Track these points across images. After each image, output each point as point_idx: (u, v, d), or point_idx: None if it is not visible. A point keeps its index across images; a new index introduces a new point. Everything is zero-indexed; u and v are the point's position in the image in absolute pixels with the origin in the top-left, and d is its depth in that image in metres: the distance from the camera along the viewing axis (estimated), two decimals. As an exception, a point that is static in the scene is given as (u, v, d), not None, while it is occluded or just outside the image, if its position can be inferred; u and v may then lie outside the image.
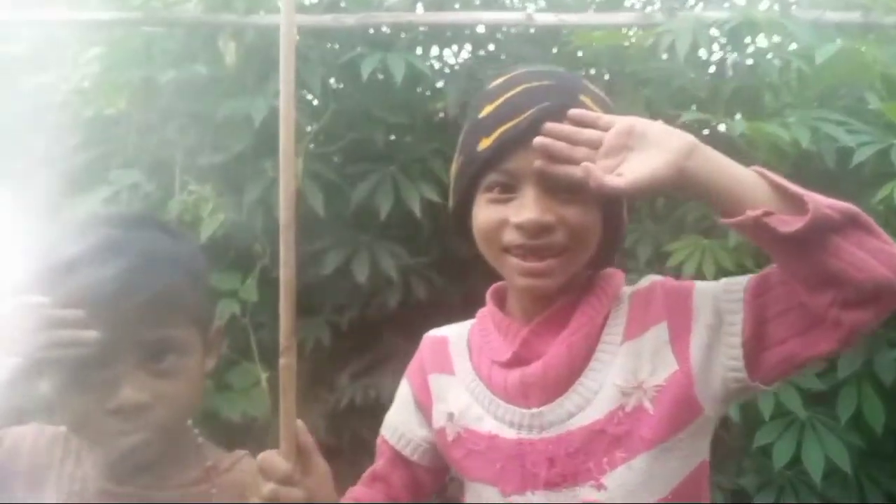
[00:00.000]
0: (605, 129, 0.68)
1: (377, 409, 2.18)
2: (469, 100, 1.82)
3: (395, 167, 1.91)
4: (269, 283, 1.95)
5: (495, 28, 1.96)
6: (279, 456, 0.64)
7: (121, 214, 0.74)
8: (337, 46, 1.94)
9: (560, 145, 0.68)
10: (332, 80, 1.85)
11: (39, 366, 0.64)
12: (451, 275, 2.19)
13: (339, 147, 1.93)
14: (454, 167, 0.79)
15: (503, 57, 1.85)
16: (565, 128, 0.69)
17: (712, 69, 1.75)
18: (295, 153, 0.61)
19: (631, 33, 1.76)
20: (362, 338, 2.38)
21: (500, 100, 0.72)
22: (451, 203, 0.80)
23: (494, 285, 0.85)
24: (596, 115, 0.70)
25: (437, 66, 2.04)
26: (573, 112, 0.70)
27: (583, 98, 0.73)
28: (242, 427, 2.21)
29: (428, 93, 2.08)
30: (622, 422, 0.70)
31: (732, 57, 1.68)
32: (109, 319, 0.64)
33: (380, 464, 0.86)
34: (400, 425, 0.85)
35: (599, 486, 0.70)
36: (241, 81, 1.87)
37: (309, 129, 1.86)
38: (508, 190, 0.72)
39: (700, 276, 1.50)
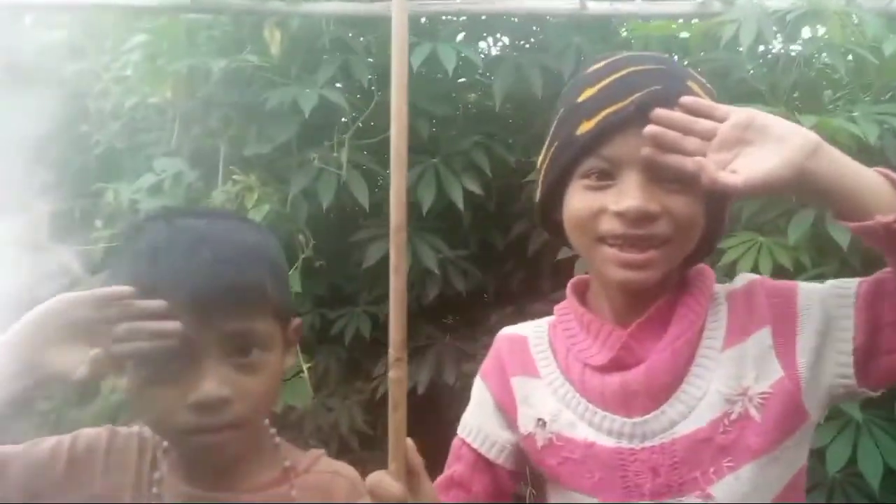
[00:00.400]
0: (721, 119, 0.64)
1: (413, 400, 2.18)
2: (511, 91, 1.82)
3: (437, 159, 1.90)
4: (310, 274, 1.95)
5: (538, 17, 1.92)
6: (389, 477, 0.59)
7: (201, 207, 0.72)
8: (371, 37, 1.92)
9: (672, 135, 0.64)
10: (376, 74, 1.83)
11: (120, 358, 0.62)
12: (488, 267, 2.18)
13: (381, 139, 1.91)
14: (544, 154, 0.75)
15: (550, 47, 1.81)
16: (678, 115, 0.65)
17: (771, 60, 1.70)
18: (405, 151, 0.58)
19: (687, 22, 1.71)
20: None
21: (604, 82, 0.68)
22: (538, 192, 0.77)
23: (575, 279, 0.81)
24: (710, 103, 0.66)
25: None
26: (686, 99, 0.66)
27: (691, 84, 0.69)
28: (277, 416, 2.22)
29: (468, 83, 2.05)
30: (728, 430, 0.67)
31: (793, 48, 1.63)
32: (193, 311, 0.62)
33: (458, 469, 0.80)
34: (482, 427, 0.80)
35: (706, 497, 0.67)
36: (285, 71, 1.85)
37: (344, 120, 1.85)
38: (607, 176, 0.68)
39: (756, 273, 1.46)
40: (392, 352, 0.58)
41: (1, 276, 2.87)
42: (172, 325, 0.61)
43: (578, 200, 0.70)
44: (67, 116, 3.18)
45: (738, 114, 0.64)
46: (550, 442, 0.74)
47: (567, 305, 0.80)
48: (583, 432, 0.73)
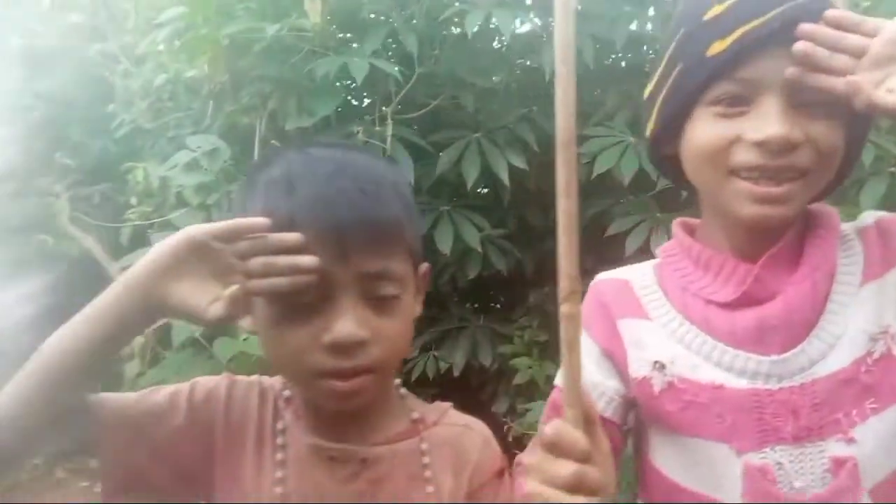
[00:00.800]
0: (870, 34, 0.59)
1: (447, 381, 2.15)
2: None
3: (480, 134, 1.86)
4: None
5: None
6: (569, 426, 0.51)
7: (338, 141, 0.67)
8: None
9: (822, 52, 0.59)
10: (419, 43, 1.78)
11: (252, 294, 0.58)
12: (526, 247, 2.14)
13: (423, 112, 1.87)
14: (658, 81, 0.70)
15: (602, 16, 1.77)
16: (827, 31, 0.60)
17: None
18: (573, 56, 0.52)
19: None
20: (433, 309, 2.34)
21: None
22: (651, 124, 0.72)
23: (679, 220, 0.77)
24: (858, 16, 0.61)
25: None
26: (833, 13, 0.60)
27: None
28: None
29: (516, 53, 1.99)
30: (870, 370, 0.64)
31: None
32: (332, 245, 0.57)
33: None
34: (587, 378, 0.70)
35: (849, 440, 0.64)
36: (325, 43, 1.81)
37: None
38: (741, 102, 0.64)
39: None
40: (565, 283, 0.51)
41: (22, 263, 2.84)
42: (310, 259, 0.56)
43: (707, 130, 0.65)
44: (88, 99, 3.15)
45: (890, 28, 0.59)
46: (671, 386, 0.70)
47: (675, 245, 0.76)
48: (709, 374, 0.68)
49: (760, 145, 0.62)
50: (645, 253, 1.68)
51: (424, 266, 0.66)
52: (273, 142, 1.79)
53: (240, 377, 0.68)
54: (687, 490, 0.68)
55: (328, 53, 1.76)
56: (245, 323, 0.64)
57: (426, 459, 0.65)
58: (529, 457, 0.54)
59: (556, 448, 0.51)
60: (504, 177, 1.80)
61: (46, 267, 2.81)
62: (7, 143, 3.06)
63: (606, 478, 0.52)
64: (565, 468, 0.50)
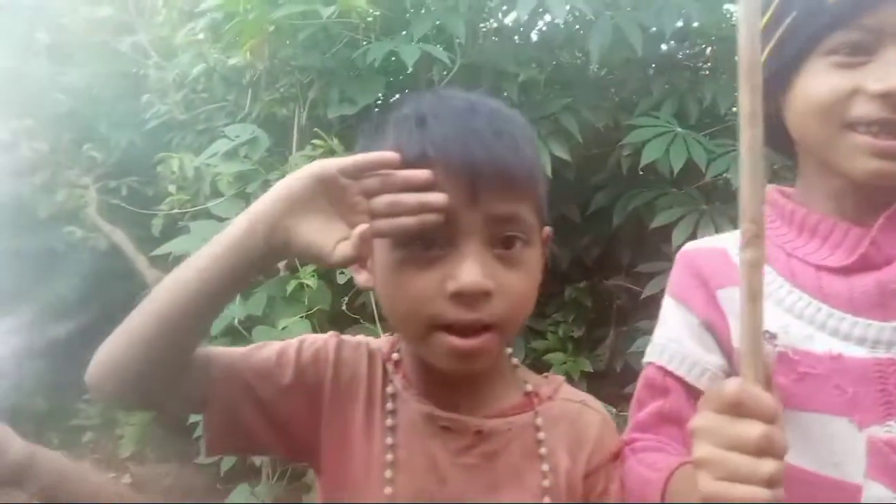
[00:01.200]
0: None
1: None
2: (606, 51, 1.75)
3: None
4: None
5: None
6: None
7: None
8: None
9: None
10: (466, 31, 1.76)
11: (377, 235, 0.53)
12: (562, 240, 2.11)
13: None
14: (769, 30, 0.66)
15: (650, 4, 1.75)
16: None
17: None
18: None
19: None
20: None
21: None
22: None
23: (772, 187, 0.74)
24: None
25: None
26: None
27: None
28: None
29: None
30: None
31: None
32: (462, 185, 0.53)
33: (667, 402, 0.71)
34: (687, 352, 0.71)
35: None
36: (369, 30, 1.80)
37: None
38: (862, 51, 0.61)
39: None
40: (748, 226, 0.46)
41: (51, 254, 2.83)
42: (439, 197, 0.52)
43: (822, 81, 0.62)
44: (116, 93, 3.15)
45: None
46: (782, 357, 0.65)
47: (770, 211, 0.72)
48: (824, 344, 0.64)
49: (884, 97, 0.59)
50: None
51: (548, 228, 0.63)
52: (316, 130, 1.78)
53: (346, 336, 0.65)
54: (798, 468, 0.64)
55: (372, 41, 1.75)
56: (361, 277, 0.62)
57: (541, 435, 0.61)
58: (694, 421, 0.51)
59: (739, 408, 0.47)
60: (547, 168, 1.78)
61: (74, 259, 2.80)
62: (35, 135, 3.06)
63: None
64: (753, 429, 0.46)
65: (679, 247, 1.80)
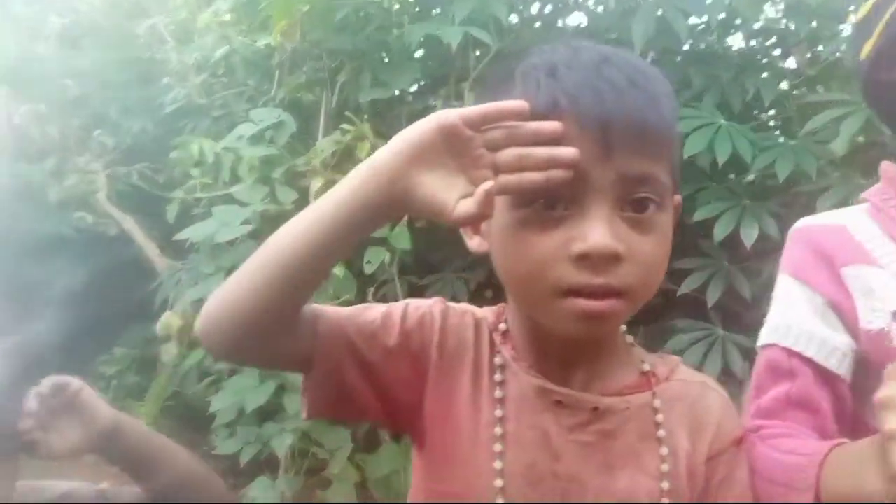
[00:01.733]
0: None
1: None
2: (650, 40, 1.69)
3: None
4: (413, 231, 1.83)
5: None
6: None
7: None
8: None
9: None
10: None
11: (502, 191, 0.48)
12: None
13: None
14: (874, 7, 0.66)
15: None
16: None
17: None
18: None
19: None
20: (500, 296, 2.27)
21: None
22: (867, 48, 0.67)
23: (887, 162, 0.72)
24: None
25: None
26: None
27: None
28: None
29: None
30: None
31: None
32: (595, 140, 0.49)
33: (795, 386, 0.66)
34: (814, 332, 0.67)
35: None
36: (401, 11, 1.75)
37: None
38: None
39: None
40: None
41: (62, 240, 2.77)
42: (571, 152, 0.48)
43: None
44: (127, 78, 3.09)
45: None
46: None
47: (888, 188, 0.70)
48: None
49: None
50: (735, 242, 1.61)
51: (679, 196, 0.57)
52: (347, 113, 1.73)
53: (456, 305, 0.61)
54: None
55: (405, 24, 1.71)
56: (474, 242, 0.57)
57: (659, 417, 0.57)
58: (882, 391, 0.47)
59: None
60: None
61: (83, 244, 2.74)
62: (45, 120, 3.00)
63: None
64: None
65: (720, 242, 1.74)
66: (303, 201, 1.95)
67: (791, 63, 1.92)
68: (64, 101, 3.07)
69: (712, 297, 1.64)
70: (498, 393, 0.57)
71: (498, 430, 0.56)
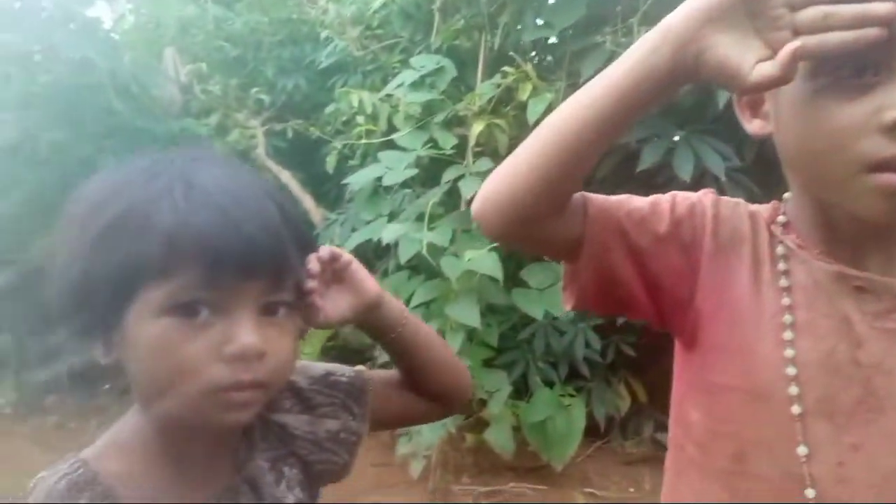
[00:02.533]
0: None
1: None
2: None
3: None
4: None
5: None
6: None
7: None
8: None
9: None
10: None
11: (805, 54, 0.44)
12: (764, 182, 1.94)
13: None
14: None
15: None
16: None
17: None
18: None
19: None
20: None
21: None
22: None
23: None
24: None
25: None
26: None
27: None
28: (509, 332, 2.13)
29: None
30: None
31: None
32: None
33: None
34: None
35: None
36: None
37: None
38: None
39: None
40: None
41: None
42: (887, 7, 0.43)
43: None
44: (282, 38, 3.24)
45: None
46: None
47: None
48: None
49: None
50: None
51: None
52: (511, 53, 1.71)
53: (722, 197, 0.59)
54: None
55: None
56: (754, 125, 0.54)
57: None
58: None
59: None
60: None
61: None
62: (205, 79, 3.22)
63: None
64: None
65: None
66: (462, 146, 1.97)
67: None
68: (223, 61, 3.27)
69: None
70: (783, 282, 0.54)
71: (788, 318, 0.53)
